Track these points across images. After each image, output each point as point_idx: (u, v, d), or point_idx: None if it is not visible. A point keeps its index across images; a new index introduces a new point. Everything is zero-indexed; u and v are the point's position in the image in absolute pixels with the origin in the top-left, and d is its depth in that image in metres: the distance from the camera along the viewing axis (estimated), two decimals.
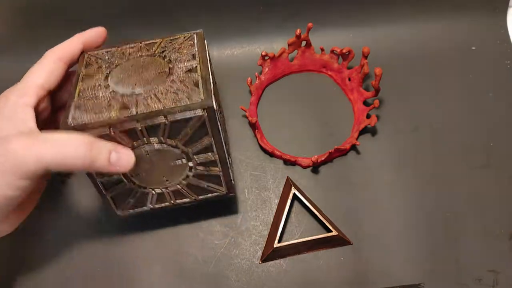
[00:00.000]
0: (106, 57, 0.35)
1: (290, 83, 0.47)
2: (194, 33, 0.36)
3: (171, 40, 0.36)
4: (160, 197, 0.35)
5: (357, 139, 0.43)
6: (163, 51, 0.34)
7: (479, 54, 0.48)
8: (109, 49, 0.36)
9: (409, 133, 0.44)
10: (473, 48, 0.48)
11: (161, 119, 0.29)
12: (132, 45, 0.36)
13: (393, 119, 0.44)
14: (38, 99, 0.31)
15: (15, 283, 0.38)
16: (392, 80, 0.46)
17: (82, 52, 0.35)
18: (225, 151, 0.33)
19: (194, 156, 0.33)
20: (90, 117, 0.30)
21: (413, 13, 0.49)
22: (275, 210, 0.40)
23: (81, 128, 0.29)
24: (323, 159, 0.41)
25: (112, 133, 0.29)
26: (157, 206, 0.36)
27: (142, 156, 0.32)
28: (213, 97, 0.30)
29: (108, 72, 0.33)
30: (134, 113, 0.29)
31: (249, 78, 0.44)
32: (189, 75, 0.32)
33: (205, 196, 0.36)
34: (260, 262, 0.38)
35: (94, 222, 0.40)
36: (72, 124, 0.29)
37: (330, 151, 0.41)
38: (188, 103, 0.29)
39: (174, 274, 0.38)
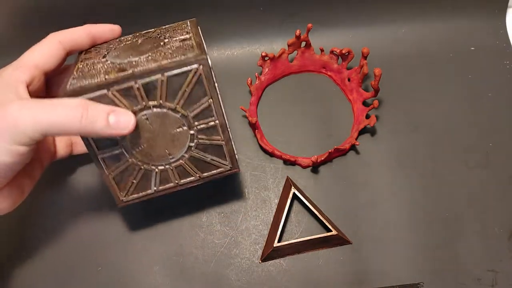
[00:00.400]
0: (105, 45, 0.35)
1: (290, 84, 0.47)
2: (188, 20, 0.37)
3: (165, 27, 0.37)
4: (164, 176, 0.35)
5: (356, 139, 0.43)
6: (158, 34, 0.35)
7: (478, 54, 0.48)
8: (108, 40, 0.36)
9: (408, 133, 0.44)
10: (473, 48, 0.48)
11: (157, 75, 0.30)
12: (129, 36, 0.37)
13: (392, 119, 0.44)
14: (32, 77, 0.31)
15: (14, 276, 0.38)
16: (392, 81, 0.46)
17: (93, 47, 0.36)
18: (225, 118, 0.33)
19: (195, 122, 0.33)
20: (87, 81, 0.30)
21: (413, 13, 0.49)
22: (275, 210, 0.40)
23: (78, 90, 0.29)
24: (322, 159, 0.41)
25: (110, 94, 0.30)
26: (161, 188, 0.35)
27: (142, 123, 0.32)
28: (207, 55, 0.31)
29: (106, 53, 0.34)
30: (131, 72, 0.30)
31: (249, 79, 0.44)
32: (184, 42, 0.33)
33: (210, 172, 0.35)
34: (260, 262, 0.38)
35: (94, 223, 0.40)
36: (70, 88, 0.29)
37: (329, 151, 0.41)
38: (183, 58, 0.30)
39: (174, 274, 0.38)
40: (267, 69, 0.46)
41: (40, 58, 0.32)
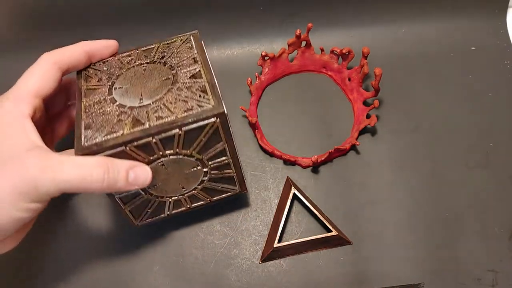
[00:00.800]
0: (105, 68, 0.34)
1: (290, 83, 0.47)
2: (190, 35, 0.36)
3: (167, 44, 0.35)
4: (177, 203, 0.36)
5: (357, 139, 0.43)
6: (162, 57, 0.34)
7: (478, 54, 0.48)
8: (106, 60, 0.35)
9: (409, 133, 0.44)
10: (473, 48, 0.48)
11: (174, 130, 0.29)
12: (129, 53, 0.35)
13: (393, 119, 0.44)
14: (34, 108, 0.29)
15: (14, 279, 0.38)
16: (392, 80, 0.46)
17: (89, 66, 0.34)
18: (237, 152, 0.34)
19: (209, 162, 0.33)
20: (103, 136, 0.29)
21: (413, 13, 0.49)
22: (275, 210, 0.40)
23: (96, 148, 0.28)
24: (323, 159, 0.41)
25: (128, 150, 0.29)
26: (174, 211, 0.37)
27: (158, 168, 0.32)
28: (223, 102, 0.30)
29: (110, 84, 0.33)
30: (147, 126, 0.29)
31: (249, 78, 0.44)
32: (194, 80, 0.32)
33: (220, 196, 0.37)
34: (260, 262, 0.38)
35: (94, 223, 0.40)
36: (86, 145, 0.29)
37: (330, 151, 0.41)
38: (199, 111, 0.29)
39: (174, 274, 0.38)
40: (267, 69, 0.46)
41: (39, 85, 0.30)
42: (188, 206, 0.37)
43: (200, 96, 0.30)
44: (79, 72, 0.34)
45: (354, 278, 0.37)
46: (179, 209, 0.37)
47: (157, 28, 0.48)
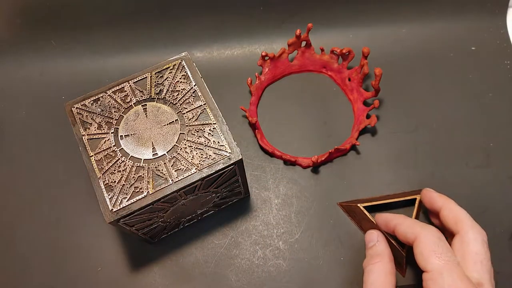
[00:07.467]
0: (98, 109, 0.32)
1: (290, 83, 0.47)
2: (181, 59, 0.34)
3: (160, 72, 0.33)
4: (189, 219, 0.38)
5: (357, 139, 0.43)
6: (159, 92, 0.33)
7: (479, 54, 0.48)
8: (95, 97, 0.32)
9: (409, 133, 0.44)
10: (473, 48, 0.48)
11: (197, 182, 0.30)
12: (120, 86, 0.33)
13: (393, 119, 0.44)
14: None
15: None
16: (392, 80, 0.46)
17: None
18: (245, 174, 0.35)
19: (222, 189, 0.35)
20: (128, 198, 0.29)
21: (413, 13, 0.49)
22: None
23: (125, 213, 0.29)
24: (323, 159, 0.41)
25: (154, 206, 0.30)
26: (186, 225, 0.39)
27: (179, 207, 0.33)
28: (236, 146, 0.31)
29: (113, 131, 0.31)
30: (171, 182, 0.30)
31: (249, 78, 0.44)
32: (202, 121, 0.32)
33: (226, 204, 0.40)
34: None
35: (94, 223, 0.40)
36: (114, 210, 0.29)
37: (330, 151, 0.41)
38: (218, 160, 0.30)
39: (174, 274, 0.38)
40: (267, 69, 0.46)
41: None
42: (199, 217, 0.39)
43: (214, 142, 0.31)
44: (70, 115, 0.32)
45: (354, 278, 0.37)
46: (191, 222, 0.39)
47: (158, 28, 0.48)
